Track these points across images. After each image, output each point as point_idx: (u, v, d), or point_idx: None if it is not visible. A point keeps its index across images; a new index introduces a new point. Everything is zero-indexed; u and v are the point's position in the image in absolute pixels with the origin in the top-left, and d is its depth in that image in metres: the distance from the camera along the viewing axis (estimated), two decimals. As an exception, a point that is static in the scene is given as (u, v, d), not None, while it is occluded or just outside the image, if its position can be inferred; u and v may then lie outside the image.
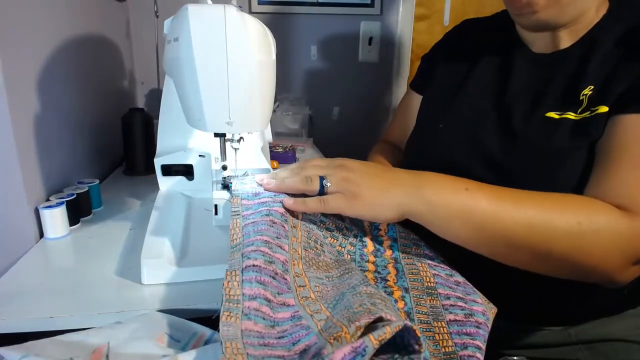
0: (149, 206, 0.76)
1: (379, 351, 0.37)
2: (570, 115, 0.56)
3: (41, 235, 0.68)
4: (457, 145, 0.66)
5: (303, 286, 0.44)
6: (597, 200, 0.49)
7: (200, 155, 0.74)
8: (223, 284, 0.41)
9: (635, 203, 0.48)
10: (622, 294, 0.62)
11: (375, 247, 0.55)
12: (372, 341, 0.32)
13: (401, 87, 1.66)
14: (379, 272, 0.51)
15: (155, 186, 0.77)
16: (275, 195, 0.53)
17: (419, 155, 0.73)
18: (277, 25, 1.52)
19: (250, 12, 1.48)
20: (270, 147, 1.02)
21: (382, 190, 0.49)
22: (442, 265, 0.52)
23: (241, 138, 0.63)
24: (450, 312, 0.46)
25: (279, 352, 0.36)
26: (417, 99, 0.82)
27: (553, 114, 0.57)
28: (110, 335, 0.43)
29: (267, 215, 0.49)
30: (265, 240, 0.46)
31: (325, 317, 0.39)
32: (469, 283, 0.50)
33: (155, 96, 1.46)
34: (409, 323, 0.35)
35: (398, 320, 0.35)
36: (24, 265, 0.60)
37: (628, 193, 0.49)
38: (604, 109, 0.53)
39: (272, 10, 1.51)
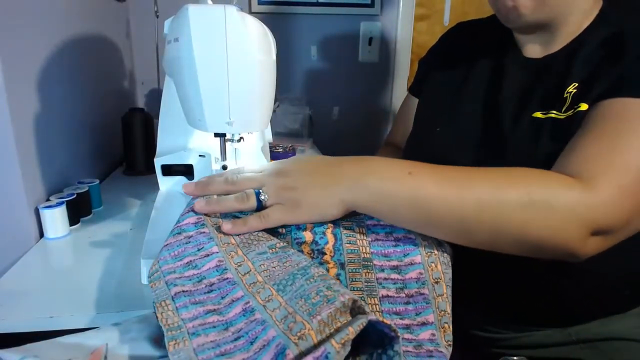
0: (149, 206, 0.76)
1: (361, 348, 0.37)
2: (555, 114, 0.56)
3: (41, 235, 0.68)
4: (453, 150, 0.66)
5: (248, 272, 0.42)
6: (548, 171, 0.48)
7: (200, 155, 0.74)
8: (157, 317, 0.40)
9: (590, 173, 0.46)
10: (623, 294, 0.62)
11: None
12: (334, 345, 0.32)
13: (401, 88, 1.66)
14: (316, 243, 0.48)
15: (155, 186, 0.77)
16: (187, 206, 0.50)
17: (416, 159, 0.73)
18: (277, 25, 1.52)
19: (250, 12, 1.48)
20: (270, 147, 1.02)
21: (322, 188, 0.47)
22: (382, 223, 0.50)
23: (241, 138, 0.63)
24: (383, 287, 0.46)
25: (239, 356, 0.35)
26: (416, 103, 0.82)
27: (539, 114, 0.57)
28: (108, 336, 0.43)
29: (178, 233, 0.47)
30: (187, 262, 0.44)
31: (278, 305, 0.38)
32: (411, 234, 0.48)
33: (155, 96, 1.46)
34: (373, 317, 0.34)
35: (360, 317, 0.34)
36: (24, 265, 0.60)
37: (584, 164, 0.47)
38: (584, 106, 0.53)
39: (272, 10, 1.51)
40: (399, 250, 0.47)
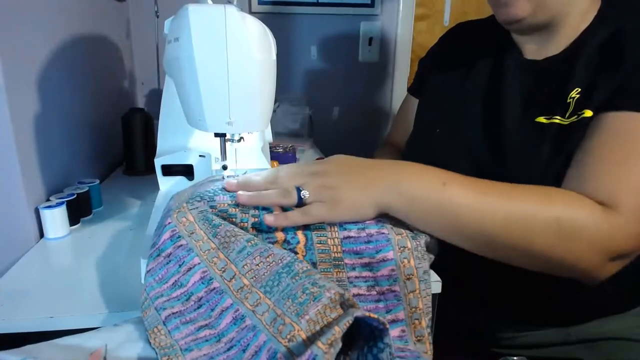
0: (149, 206, 0.76)
1: (353, 342, 0.37)
2: (558, 120, 0.56)
3: (41, 235, 0.68)
4: (453, 152, 0.66)
5: (233, 276, 0.42)
6: (577, 194, 0.49)
7: (200, 155, 0.74)
8: (150, 342, 0.40)
9: (614, 199, 0.47)
10: (622, 295, 0.62)
11: (282, 209, 0.51)
12: (321, 347, 0.32)
13: (401, 88, 1.66)
14: (288, 242, 0.48)
15: (155, 186, 0.77)
16: (158, 228, 0.50)
17: (416, 160, 0.74)
18: (277, 25, 1.52)
19: (250, 12, 1.48)
20: (270, 147, 1.02)
21: (360, 189, 0.48)
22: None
23: (241, 138, 0.63)
24: (355, 285, 0.46)
25: None
26: (415, 103, 0.82)
27: (542, 119, 0.58)
28: (108, 337, 0.43)
29: (158, 255, 0.47)
30: (173, 283, 0.44)
31: (267, 308, 0.38)
32: (384, 229, 0.48)
33: (155, 96, 1.46)
34: (359, 313, 0.34)
35: (345, 314, 0.34)
36: (24, 265, 0.60)
37: (608, 189, 0.48)
38: (588, 113, 0.53)
39: (272, 10, 1.51)
40: (371, 246, 0.47)
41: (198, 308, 0.42)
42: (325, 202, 0.48)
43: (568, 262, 0.47)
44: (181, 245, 0.46)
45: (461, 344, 0.75)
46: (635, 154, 0.49)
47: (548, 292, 0.61)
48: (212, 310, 0.41)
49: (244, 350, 0.37)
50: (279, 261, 0.42)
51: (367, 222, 0.49)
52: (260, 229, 0.49)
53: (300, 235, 0.49)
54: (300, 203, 0.49)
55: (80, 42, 0.91)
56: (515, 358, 0.55)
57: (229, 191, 0.52)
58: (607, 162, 0.50)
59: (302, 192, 0.49)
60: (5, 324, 0.47)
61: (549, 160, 0.55)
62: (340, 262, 0.47)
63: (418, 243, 0.47)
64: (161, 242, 0.47)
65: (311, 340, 0.33)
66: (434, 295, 0.53)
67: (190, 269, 0.44)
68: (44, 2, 0.75)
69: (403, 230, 0.48)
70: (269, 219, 0.48)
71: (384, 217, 0.50)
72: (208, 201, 0.50)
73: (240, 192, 0.50)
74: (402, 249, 0.46)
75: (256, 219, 0.49)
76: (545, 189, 0.49)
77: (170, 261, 0.46)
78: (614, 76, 0.53)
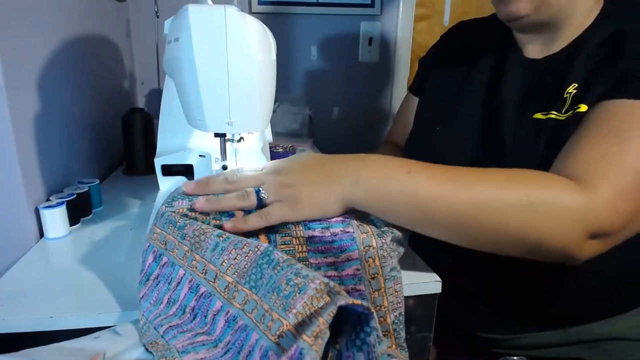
0: (149, 206, 0.76)
1: (341, 329, 0.37)
2: (555, 115, 0.56)
3: (41, 235, 0.68)
4: (452, 150, 0.66)
5: (215, 276, 0.42)
6: (548, 173, 0.48)
7: (200, 155, 0.74)
8: (147, 349, 0.41)
9: (590, 175, 0.46)
10: (623, 295, 0.62)
11: (244, 212, 0.50)
12: (306, 340, 0.32)
13: (401, 88, 1.66)
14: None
15: (155, 186, 0.77)
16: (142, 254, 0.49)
17: (416, 158, 0.74)
18: (277, 25, 1.52)
19: (250, 12, 1.48)
20: (270, 147, 1.02)
21: (321, 186, 0.47)
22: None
23: (241, 138, 0.63)
24: None
25: None
26: (415, 102, 0.82)
27: (539, 115, 0.57)
28: (107, 342, 0.43)
29: (147, 280, 0.46)
30: (167, 301, 0.45)
31: (255, 304, 0.38)
32: (349, 227, 0.46)
33: (155, 96, 1.46)
34: (342, 302, 0.33)
35: (330, 304, 0.34)
36: (24, 265, 0.60)
37: (584, 166, 0.47)
38: (583, 108, 0.53)
39: (272, 10, 1.51)
40: (335, 246, 0.46)
41: (193, 319, 0.42)
42: (285, 201, 0.47)
43: (544, 241, 0.45)
44: (164, 263, 0.46)
45: (461, 344, 0.75)
46: (617, 134, 0.48)
47: (550, 293, 0.61)
48: (205, 316, 0.41)
49: (239, 352, 0.37)
50: (256, 250, 0.41)
51: (333, 220, 0.48)
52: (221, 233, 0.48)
53: (262, 237, 0.48)
54: (261, 204, 0.48)
55: (80, 42, 0.91)
56: (515, 358, 0.55)
57: (187, 194, 0.51)
58: (585, 144, 0.50)
59: (261, 194, 0.48)
60: (5, 324, 0.47)
61: (546, 156, 0.55)
62: (305, 263, 0.46)
63: (384, 241, 0.46)
64: (147, 267, 0.47)
65: (300, 333, 0.33)
66: (433, 295, 0.54)
67: (178, 283, 0.45)
68: (44, 2, 0.75)
69: (369, 228, 0.46)
70: (227, 226, 0.47)
71: (351, 212, 0.49)
72: (167, 206, 0.50)
73: (198, 198, 0.49)
74: (367, 248, 0.45)
75: (218, 221, 0.49)
76: (513, 170, 0.48)
77: (159, 282, 0.46)
78: (611, 73, 0.53)
